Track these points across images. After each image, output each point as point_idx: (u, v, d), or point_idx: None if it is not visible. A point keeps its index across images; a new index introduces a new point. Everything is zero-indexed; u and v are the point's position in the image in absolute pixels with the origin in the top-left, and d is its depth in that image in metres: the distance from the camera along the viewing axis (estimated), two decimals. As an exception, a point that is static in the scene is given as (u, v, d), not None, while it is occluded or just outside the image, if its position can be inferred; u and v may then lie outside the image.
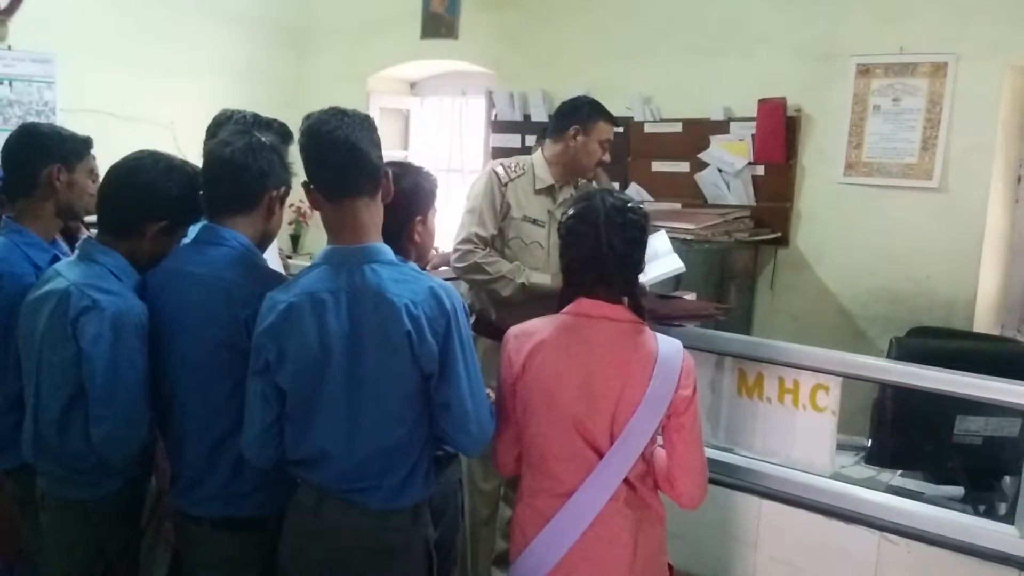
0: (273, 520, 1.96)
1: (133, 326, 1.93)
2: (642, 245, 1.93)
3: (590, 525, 1.83)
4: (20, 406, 2.13)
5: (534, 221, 3.03)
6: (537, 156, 3.13)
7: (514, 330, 1.99)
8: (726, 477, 2.47)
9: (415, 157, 6.07)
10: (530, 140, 5.02)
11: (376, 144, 1.85)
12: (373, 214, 1.85)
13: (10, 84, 4.76)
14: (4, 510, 2.43)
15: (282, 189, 2.03)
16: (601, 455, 1.84)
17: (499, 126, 5.26)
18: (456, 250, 2.98)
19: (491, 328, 2.98)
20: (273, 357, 1.80)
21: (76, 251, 2.10)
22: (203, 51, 5.59)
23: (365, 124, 1.84)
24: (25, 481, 2.20)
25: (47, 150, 2.27)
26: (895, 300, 3.96)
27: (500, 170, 3.04)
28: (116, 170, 2.06)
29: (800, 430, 2.42)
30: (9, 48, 4.74)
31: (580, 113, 3.07)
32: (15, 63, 4.77)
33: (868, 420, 2.79)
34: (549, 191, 3.08)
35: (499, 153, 5.20)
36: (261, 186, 1.98)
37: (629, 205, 1.93)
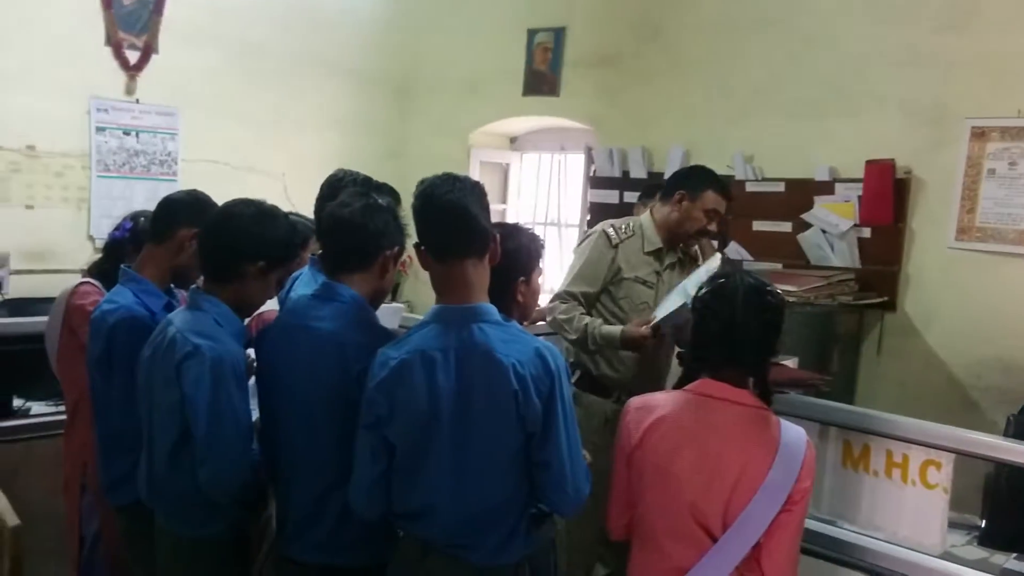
0: (376, 571, 1.99)
1: (231, 371, 2.02)
2: (778, 330, 1.92)
3: None
4: (136, 447, 2.23)
5: (644, 282, 3.05)
6: (646, 218, 3.15)
7: (635, 402, 2.00)
8: (829, 551, 2.38)
9: (513, 210, 6.18)
10: (629, 196, 5.02)
11: (485, 208, 1.92)
12: (480, 275, 1.90)
13: (137, 135, 5.06)
14: (114, 544, 2.55)
15: (396, 249, 2.10)
16: (712, 537, 1.82)
17: (598, 182, 5.29)
18: (547, 307, 3.06)
19: (594, 384, 3.02)
20: (384, 412, 1.85)
21: (187, 299, 2.21)
22: (314, 105, 5.84)
23: (476, 189, 1.91)
24: (137, 517, 2.30)
25: (196, 213, 2.39)
26: (1009, 371, 3.78)
27: (611, 232, 3.07)
28: (212, 218, 2.18)
29: (909, 506, 2.32)
30: (137, 101, 5.05)
31: (690, 179, 3.10)
32: (142, 116, 5.07)
33: (981, 498, 2.67)
34: (657, 253, 3.09)
35: (597, 208, 5.25)
36: (377, 245, 2.06)
37: (768, 288, 1.93)
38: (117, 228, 2.71)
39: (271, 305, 2.47)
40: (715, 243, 3.93)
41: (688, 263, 3.23)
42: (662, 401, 1.95)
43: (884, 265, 4.14)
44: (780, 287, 3.74)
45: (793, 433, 1.86)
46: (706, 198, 3.02)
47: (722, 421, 1.86)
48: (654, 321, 2.81)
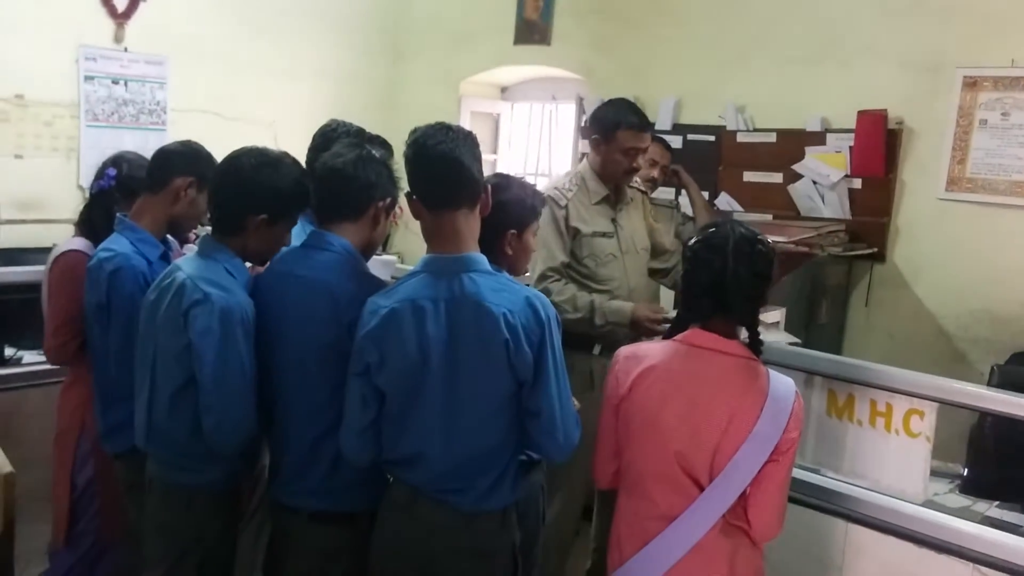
0: (366, 515, 2.03)
1: (240, 321, 2.02)
2: (768, 279, 1.92)
3: (688, 552, 1.84)
4: (133, 395, 2.24)
5: (603, 234, 2.96)
6: (584, 167, 3.04)
7: (624, 351, 2.02)
8: (812, 498, 2.43)
9: (504, 160, 6.14)
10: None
11: (477, 159, 1.92)
12: (471, 225, 1.92)
13: (126, 84, 5.00)
14: (112, 491, 2.59)
15: (388, 200, 2.11)
16: (699, 485, 1.85)
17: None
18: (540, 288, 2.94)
19: (575, 339, 2.82)
20: (374, 360, 1.87)
21: (196, 246, 2.21)
22: (304, 54, 5.76)
23: (468, 140, 1.91)
24: (133, 465, 2.33)
25: (191, 163, 2.41)
26: (997, 322, 3.81)
27: (556, 193, 2.94)
28: (218, 168, 2.18)
29: (892, 455, 2.37)
30: (126, 50, 4.97)
31: (599, 121, 2.96)
32: (131, 64, 4.99)
33: (964, 447, 2.72)
34: (606, 200, 2.99)
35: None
36: (368, 196, 2.07)
37: (759, 237, 1.93)
38: (101, 176, 2.68)
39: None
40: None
41: (644, 197, 3.16)
42: (651, 351, 1.96)
43: (874, 216, 4.13)
44: (770, 237, 3.79)
45: (782, 384, 1.88)
46: (620, 137, 2.88)
47: (711, 371, 1.87)
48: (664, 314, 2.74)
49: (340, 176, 2.04)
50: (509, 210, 2.03)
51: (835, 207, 4.24)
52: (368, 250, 2.13)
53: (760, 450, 1.81)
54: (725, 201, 4.58)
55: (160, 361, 2.12)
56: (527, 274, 2.44)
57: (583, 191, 2.98)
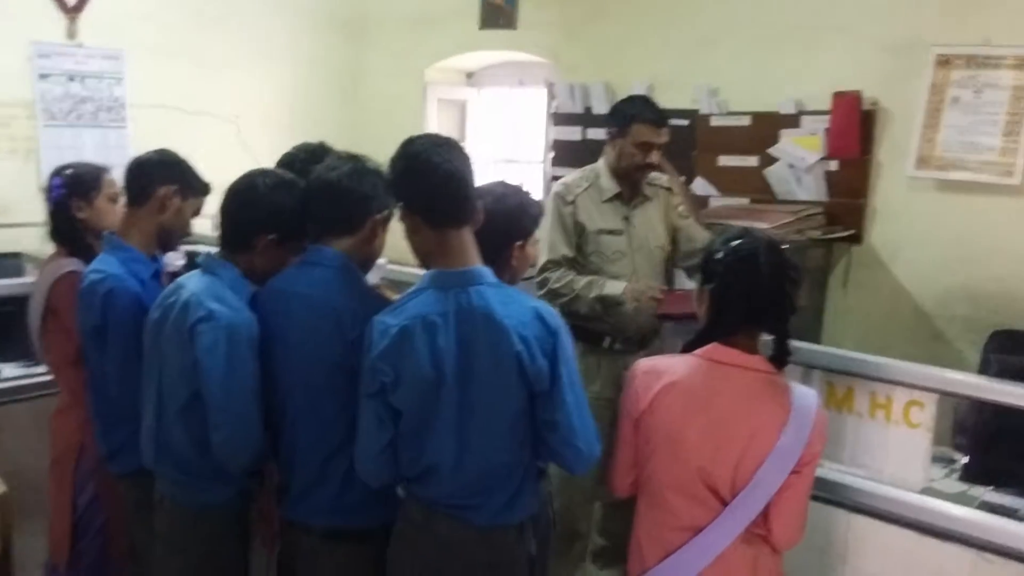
0: (381, 531, 2.01)
1: (246, 338, 1.99)
2: (798, 285, 1.91)
3: (710, 563, 1.84)
4: (135, 416, 2.22)
5: (611, 232, 2.99)
6: (601, 164, 3.08)
7: (643, 365, 1.99)
8: (813, 490, 2.41)
9: (472, 148, 6.07)
10: (592, 133, 4.98)
11: (473, 174, 1.90)
12: (472, 239, 1.89)
13: (82, 81, 4.84)
14: (116, 509, 2.56)
15: (385, 213, 2.06)
16: (721, 499, 1.84)
17: (560, 118, 5.22)
18: (537, 282, 2.97)
19: (585, 333, 2.89)
20: (389, 380, 1.83)
21: (199, 264, 2.17)
22: (264, 43, 5.63)
23: (467, 156, 1.89)
24: (140, 485, 2.31)
25: (170, 170, 2.38)
26: (975, 300, 3.86)
27: (562, 189, 3.01)
28: (233, 186, 2.14)
29: (892, 445, 2.37)
30: (80, 46, 4.81)
31: (616, 115, 3.01)
32: (87, 60, 4.84)
33: (958, 431, 2.74)
34: (618, 198, 3.02)
35: (560, 146, 5.19)
36: (365, 210, 2.02)
37: (783, 246, 1.91)
38: (50, 190, 2.64)
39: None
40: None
41: (670, 195, 3.16)
42: (671, 366, 1.93)
43: (851, 198, 4.16)
44: (752, 224, 3.80)
45: (804, 398, 1.86)
46: (635, 132, 2.92)
47: (733, 388, 1.85)
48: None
49: (336, 189, 2.00)
50: (514, 221, 2.00)
51: (811, 190, 4.25)
52: (366, 264, 2.09)
53: (783, 465, 1.80)
54: (701, 186, 4.57)
55: (166, 379, 2.08)
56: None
57: (594, 188, 3.01)
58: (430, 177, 1.82)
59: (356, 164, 2.03)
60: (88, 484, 2.58)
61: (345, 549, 2.02)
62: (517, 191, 2.08)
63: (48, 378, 3.03)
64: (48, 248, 4.14)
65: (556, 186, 3.05)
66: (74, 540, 2.59)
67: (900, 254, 4.08)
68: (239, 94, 5.48)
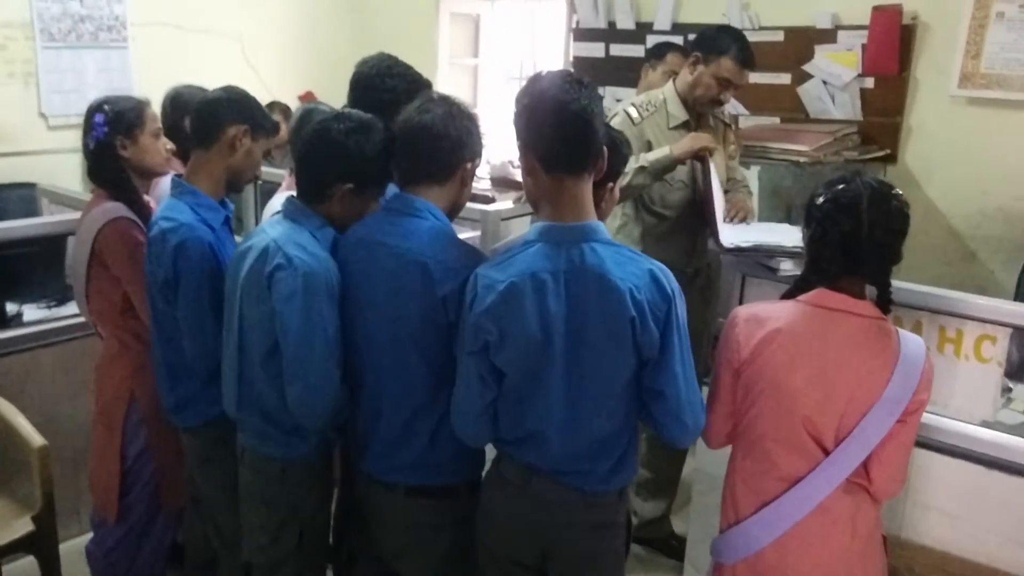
0: (465, 488, 1.97)
1: (324, 287, 1.90)
2: (904, 236, 1.81)
3: (808, 513, 1.81)
4: (206, 369, 2.19)
5: None
6: (669, 89, 2.99)
7: (743, 313, 1.91)
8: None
9: (485, 65, 5.87)
10: (615, 49, 4.81)
11: (603, 121, 1.78)
12: (589, 191, 1.77)
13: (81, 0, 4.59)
14: (168, 460, 2.54)
15: (476, 160, 1.95)
16: (823, 448, 1.80)
17: (581, 34, 5.02)
18: None
19: None
20: (493, 338, 1.74)
21: (282, 210, 2.07)
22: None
23: (598, 96, 1.75)
24: (207, 439, 2.30)
25: (239, 108, 2.25)
26: (1010, 220, 3.82)
27: (632, 111, 2.93)
28: (306, 134, 2.02)
29: (961, 380, 2.34)
30: (77, -39, 4.56)
31: (708, 41, 2.89)
32: (85, -24, 4.59)
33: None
34: (685, 126, 2.94)
35: (581, 63, 5.01)
36: (458, 156, 1.91)
37: (893, 192, 1.81)
38: (91, 128, 2.47)
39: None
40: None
41: (728, 131, 3.09)
42: (774, 312, 1.87)
43: (886, 116, 4.05)
44: (789, 147, 3.70)
45: (912, 344, 1.81)
46: (721, 64, 2.84)
47: (840, 334, 1.80)
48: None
49: (429, 134, 1.86)
50: (611, 162, 1.86)
51: (846, 108, 4.14)
52: (453, 214, 1.98)
53: (889, 413, 1.76)
54: (731, 104, 4.40)
55: (247, 328, 2.01)
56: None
57: (660, 114, 2.94)
58: (556, 116, 1.69)
59: (450, 107, 1.91)
60: (139, 434, 2.52)
61: (431, 505, 1.98)
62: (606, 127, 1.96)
63: (75, 320, 2.98)
64: (62, 180, 4.06)
65: (624, 105, 2.98)
66: (123, 492, 2.54)
67: (935, 174, 4.00)
68: (243, 10, 5.24)
